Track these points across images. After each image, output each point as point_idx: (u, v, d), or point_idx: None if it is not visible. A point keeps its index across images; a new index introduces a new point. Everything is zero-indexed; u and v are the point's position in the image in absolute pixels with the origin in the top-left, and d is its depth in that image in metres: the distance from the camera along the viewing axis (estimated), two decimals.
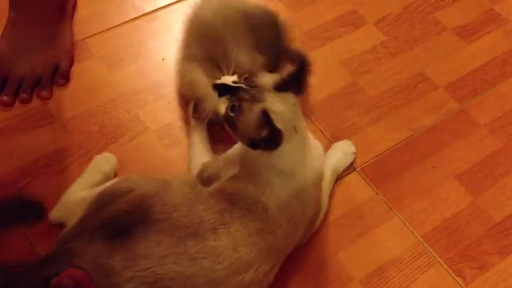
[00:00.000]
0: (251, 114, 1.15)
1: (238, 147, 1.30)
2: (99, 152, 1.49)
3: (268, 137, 1.13)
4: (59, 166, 1.47)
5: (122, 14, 1.80)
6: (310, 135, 1.29)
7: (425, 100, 1.66)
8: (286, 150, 1.18)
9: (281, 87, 1.17)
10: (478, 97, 1.68)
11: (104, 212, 1.16)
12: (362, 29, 1.82)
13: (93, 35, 1.74)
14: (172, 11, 1.82)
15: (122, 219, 1.13)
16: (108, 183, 1.27)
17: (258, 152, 1.17)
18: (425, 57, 1.76)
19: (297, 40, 1.61)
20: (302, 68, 1.17)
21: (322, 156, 1.34)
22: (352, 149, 1.53)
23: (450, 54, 1.77)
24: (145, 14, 1.81)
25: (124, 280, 1.07)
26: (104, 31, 1.76)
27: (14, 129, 1.53)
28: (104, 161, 1.45)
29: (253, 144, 1.16)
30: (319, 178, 1.29)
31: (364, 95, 1.66)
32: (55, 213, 1.32)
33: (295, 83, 1.18)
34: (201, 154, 1.44)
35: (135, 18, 1.80)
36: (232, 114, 1.17)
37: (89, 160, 1.48)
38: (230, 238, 1.14)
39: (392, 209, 1.45)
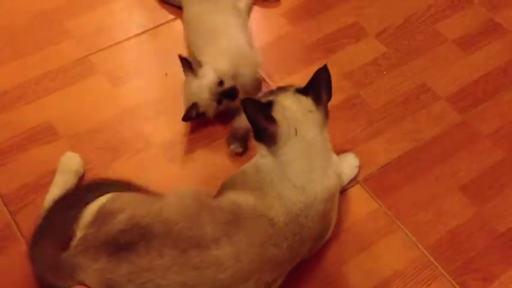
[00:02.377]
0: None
1: (253, 161, 1.32)
2: (104, 168, 1.51)
3: (256, 130, 1.24)
4: None
5: (125, 30, 1.82)
6: (334, 155, 1.32)
7: (427, 111, 1.67)
8: (291, 156, 1.22)
9: (301, 91, 1.28)
10: (479, 107, 1.68)
11: (103, 231, 1.18)
12: (363, 41, 1.83)
13: (96, 52, 1.76)
14: (174, 26, 1.83)
15: (123, 237, 1.15)
16: (100, 201, 1.27)
17: (271, 162, 1.22)
18: (427, 68, 1.77)
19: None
20: (319, 76, 1.26)
21: (337, 176, 1.33)
22: (357, 162, 1.54)
23: (451, 65, 1.78)
24: (147, 30, 1.82)
25: None
26: (107, 47, 1.77)
27: (19, 146, 1.55)
28: (70, 161, 1.48)
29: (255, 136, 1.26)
30: (331, 196, 1.29)
31: (366, 106, 1.67)
32: None
33: (314, 90, 1.26)
34: None
35: (138, 34, 1.81)
36: None
37: (95, 175, 1.50)
38: (233, 248, 1.15)
39: (395, 221, 1.45)
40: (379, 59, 1.79)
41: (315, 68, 1.71)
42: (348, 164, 1.53)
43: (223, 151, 1.56)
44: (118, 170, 1.51)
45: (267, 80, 1.71)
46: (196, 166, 1.54)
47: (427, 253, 1.40)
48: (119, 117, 1.62)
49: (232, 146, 1.55)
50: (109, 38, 1.79)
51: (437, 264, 1.39)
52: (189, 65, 1.53)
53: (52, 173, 1.48)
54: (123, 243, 1.14)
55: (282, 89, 1.34)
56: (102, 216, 1.21)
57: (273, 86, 1.69)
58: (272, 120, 1.23)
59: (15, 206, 1.44)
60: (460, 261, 1.39)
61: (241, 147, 1.54)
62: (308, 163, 1.24)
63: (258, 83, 1.65)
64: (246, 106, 1.22)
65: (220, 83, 1.52)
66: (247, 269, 1.15)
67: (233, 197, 1.25)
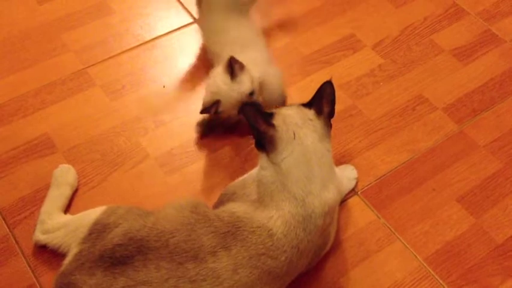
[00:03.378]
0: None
1: (253, 172, 1.32)
2: (101, 180, 1.51)
3: (255, 132, 1.25)
4: None
5: (122, 43, 1.83)
6: (336, 170, 1.32)
7: (424, 122, 1.67)
8: (290, 161, 1.22)
9: (305, 104, 1.31)
10: (476, 118, 1.69)
11: (98, 245, 1.18)
12: (360, 53, 1.84)
13: (94, 64, 1.77)
14: (172, 39, 1.84)
15: (118, 251, 1.15)
16: (95, 214, 1.28)
17: (271, 173, 1.23)
18: (423, 79, 1.77)
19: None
20: (322, 88, 1.29)
21: (338, 193, 1.31)
22: (355, 174, 1.54)
23: (448, 76, 1.79)
24: (145, 43, 1.83)
25: None
26: (105, 60, 1.78)
27: (16, 159, 1.55)
28: (65, 174, 1.48)
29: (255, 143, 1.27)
30: (330, 210, 1.28)
31: (363, 118, 1.67)
32: (39, 236, 1.35)
33: (317, 102, 1.28)
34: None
35: (136, 46, 1.82)
36: None
37: (92, 188, 1.50)
38: (230, 260, 1.14)
39: (394, 233, 1.45)
40: (375, 71, 1.79)
41: (313, 79, 1.76)
42: (347, 177, 1.53)
43: (220, 163, 1.56)
44: (115, 183, 1.51)
45: None
46: (193, 179, 1.54)
47: (425, 264, 1.40)
48: (116, 130, 1.62)
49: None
50: (106, 51, 1.80)
51: (435, 275, 1.39)
52: (232, 65, 1.50)
53: (49, 186, 1.48)
54: (119, 257, 1.14)
55: (287, 106, 1.36)
56: (96, 230, 1.21)
57: None
58: (271, 126, 1.24)
59: (13, 219, 1.44)
60: (458, 272, 1.39)
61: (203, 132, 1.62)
62: (307, 170, 1.23)
63: (283, 98, 1.64)
64: (246, 110, 1.22)
65: (251, 93, 1.51)
66: (244, 282, 1.15)
67: (232, 208, 1.24)
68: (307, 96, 1.68)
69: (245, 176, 1.36)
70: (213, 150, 1.59)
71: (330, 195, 1.25)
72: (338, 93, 1.70)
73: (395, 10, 1.96)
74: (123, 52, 1.81)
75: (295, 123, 1.25)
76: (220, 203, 1.34)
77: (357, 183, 1.52)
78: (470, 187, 1.54)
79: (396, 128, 1.66)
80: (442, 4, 1.98)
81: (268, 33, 1.85)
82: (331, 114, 1.30)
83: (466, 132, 1.65)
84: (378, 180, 1.55)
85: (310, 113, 1.28)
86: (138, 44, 1.83)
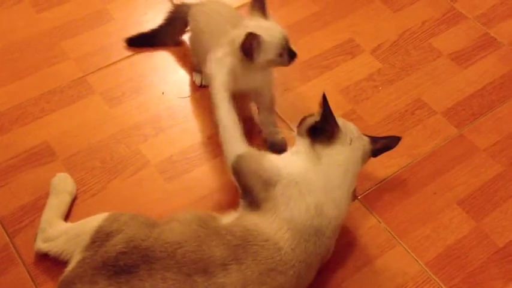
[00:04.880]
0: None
1: (282, 155, 1.33)
2: (101, 188, 1.51)
3: (324, 119, 1.30)
4: None
5: (121, 50, 1.83)
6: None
7: (424, 126, 1.67)
8: (335, 159, 1.27)
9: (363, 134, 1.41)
10: (476, 122, 1.69)
11: (101, 252, 1.16)
12: (359, 57, 1.84)
13: (93, 72, 1.77)
14: (170, 46, 1.84)
15: (122, 259, 1.13)
16: (97, 221, 1.26)
17: (304, 161, 1.27)
18: (422, 83, 1.78)
19: None
20: (391, 140, 1.43)
21: (348, 204, 1.32)
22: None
23: (447, 80, 1.79)
24: (143, 50, 1.83)
25: None
26: (104, 67, 1.78)
27: (16, 167, 1.55)
28: (63, 182, 1.48)
29: (312, 129, 1.32)
30: (342, 222, 1.28)
31: (362, 122, 1.67)
32: (40, 245, 1.34)
33: (377, 142, 1.41)
34: (235, 140, 1.32)
35: (134, 54, 1.82)
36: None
37: (92, 196, 1.50)
38: (240, 275, 1.12)
39: (395, 237, 1.45)
40: (374, 75, 1.79)
41: (312, 84, 1.75)
42: None
43: (221, 170, 1.56)
44: (115, 190, 1.51)
45: None
46: (194, 185, 1.54)
47: (426, 268, 1.40)
48: (116, 137, 1.62)
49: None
50: (105, 58, 1.80)
51: (437, 280, 1.38)
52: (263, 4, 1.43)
53: (48, 194, 1.48)
54: (123, 266, 1.12)
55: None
56: (99, 239, 1.20)
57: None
58: (336, 124, 1.31)
59: (13, 227, 1.44)
60: (459, 276, 1.39)
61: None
62: (342, 175, 1.27)
63: (272, 102, 1.60)
64: (326, 100, 1.29)
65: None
66: None
67: (243, 221, 1.22)
68: (308, 102, 1.71)
69: (261, 162, 1.28)
70: (213, 157, 1.59)
71: (346, 208, 1.27)
72: (337, 98, 1.73)
73: (393, 15, 1.96)
74: (122, 59, 1.81)
75: (352, 133, 1.33)
76: (237, 180, 1.30)
77: (355, 187, 1.52)
78: (471, 191, 1.54)
79: (395, 132, 1.65)
80: (440, 8, 1.98)
81: None
82: (375, 155, 1.40)
83: (466, 136, 1.65)
84: (378, 185, 1.54)
85: (365, 138, 1.38)
86: (137, 51, 1.83)
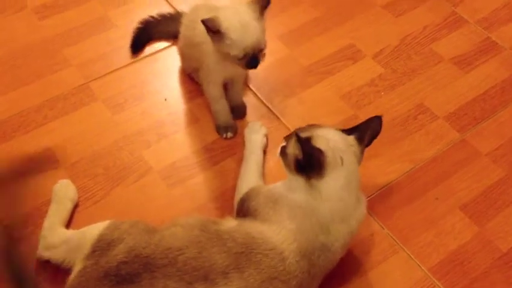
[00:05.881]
0: (291, 141, 1.26)
1: (280, 183, 1.31)
2: (105, 195, 1.51)
3: (306, 157, 1.20)
4: None
5: (123, 57, 1.83)
6: (363, 197, 1.31)
7: (426, 131, 1.67)
8: (332, 188, 1.22)
9: (345, 131, 1.31)
10: (478, 126, 1.69)
11: (102, 263, 1.16)
12: (360, 63, 1.84)
13: (96, 79, 1.77)
14: (173, 52, 1.84)
15: (124, 269, 1.13)
16: (98, 229, 1.25)
17: (303, 196, 1.22)
18: (424, 88, 1.78)
19: None
20: (370, 121, 1.33)
21: (361, 214, 1.29)
22: (264, 130, 1.61)
23: (449, 84, 1.79)
24: (146, 56, 1.84)
25: None
26: (106, 74, 1.79)
27: (19, 175, 1.55)
28: (65, 188, 1.48)
29: (299, 167, 1.23)
30: (352, 237, 1.27)
31: None
32: (42, 252, 1.34)
33: (360, 132, 1.31)
34: (253, 177, 1.46)
35: (137, 60, 1.83)
36: (283, 144, 1.31)
37: (95, 203, 1.50)
38: (241, 283, 1.12)
39: (397, 243, 1.45)
40: (376, 80, 1.80)
41: (313, 90, 1.76)
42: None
43: (224, 176, 1.56)
44: (118, 197, 1.51)
45: (266, 103, 1.72)
46: (197, 191, 1.54)
47: (430, 274, 1.40)
48: (119, 144, 1.62)
49: (225, 134, 1.63)
50: (108, 65, 1.81)
51: (440, 286, 1.38)
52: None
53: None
54: (125, 275, 1.12)
55: (314, 126, 1.33)
56: (100, 248, 1.20)
57: (273, 110, 1.70)
58: (318, 150, 1.21)
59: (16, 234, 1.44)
60: (463, 282, 1.39)
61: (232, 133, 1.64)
62: (347, 196, 1.23)
63: (244, 107, 1.72)
64: (300, 138, 1.20)
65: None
66: None
67: (247, 228, 1.21)
68: (310, 108, 1.71)
69: (269, 188, 1.32)
70: (215, 163, 1.59)
71: (354, 222, 1.25)
72: (339, 104, 1.73)
73: (394, 20, 1.96)
74: (124, 66, 1.81)
75: (339, 148, 1.24)
76: (240, 211, 1.33)
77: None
78: (474, 196, 1.54)
79: (398, 137, 1.66)
80: (441, 13, 1.99)
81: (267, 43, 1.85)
82: (368, 145, 1.33)
83: (468, 141, 1.65)
84: (380, 191, 1.54)
85: (351, 139, 1.30)
86: (139, 57, 1.83)
